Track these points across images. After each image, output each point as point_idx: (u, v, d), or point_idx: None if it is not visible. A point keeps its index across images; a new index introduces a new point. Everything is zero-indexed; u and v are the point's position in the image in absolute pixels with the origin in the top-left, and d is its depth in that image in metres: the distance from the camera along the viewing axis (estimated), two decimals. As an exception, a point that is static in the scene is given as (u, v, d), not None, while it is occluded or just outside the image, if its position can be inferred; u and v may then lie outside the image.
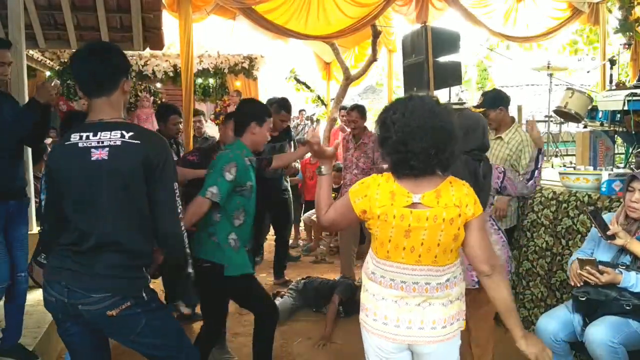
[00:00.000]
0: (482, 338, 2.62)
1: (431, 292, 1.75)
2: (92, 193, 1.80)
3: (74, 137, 1.81)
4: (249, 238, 2.76)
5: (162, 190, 1.82)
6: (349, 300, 4.10)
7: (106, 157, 1.77)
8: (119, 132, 1.79)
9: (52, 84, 2.79)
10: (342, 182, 5.12)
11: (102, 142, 1.78)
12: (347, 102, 8.58)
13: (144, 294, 1.86)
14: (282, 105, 4.52)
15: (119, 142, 1.78)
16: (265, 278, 5.00)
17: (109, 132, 1.79)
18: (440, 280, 1.76)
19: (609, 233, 2.47)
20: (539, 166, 2.64)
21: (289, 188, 5.06)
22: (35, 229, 3.82)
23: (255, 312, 2.81)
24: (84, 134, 1.81)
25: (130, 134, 1.80)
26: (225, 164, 2.51)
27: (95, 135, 1.79)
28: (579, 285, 2.46)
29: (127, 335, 1.90)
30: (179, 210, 1.85)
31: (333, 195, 6.41)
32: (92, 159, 1.77)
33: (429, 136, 1.64)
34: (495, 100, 3.60)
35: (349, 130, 4.95)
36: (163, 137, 1.87)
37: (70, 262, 1.82)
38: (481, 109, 3.32)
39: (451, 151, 1.69)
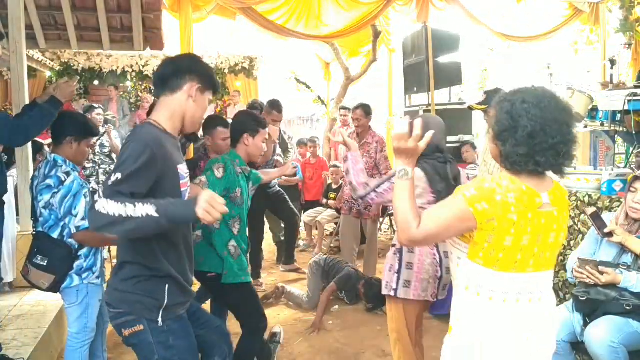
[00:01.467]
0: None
1: (550, 298, 1.63)
2: None
3: None
4: (246, 245, 2.79)
5: None
6: (349, 289, 4.25)
7: None
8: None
9: (74, 84, 2.76)
10: (342, 181, 5.12)
11: None
12: (350, 102, 8.57)
13: (160, 318, 1.76)
14: (273, 105, 4.50)
15: None
16: (266, 278, 5.00)
17: None
18: (551, 283, 1.65)
19: (605, 231, 2.47)
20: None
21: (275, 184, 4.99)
22: (30, 229, 3.81)
23: (244, 324, 2.77)
24: None
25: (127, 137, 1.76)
26: (214, 164, 2.63)
27: None
28: (585, 279, 2.44)
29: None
30: (97, 201, 1.57)
31: (333, 196, 6.41)
32: None
33: (562, 131, 1.49)
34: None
35: (352, 129, 4.93)
36: (140, 132, 1.70)
37: None
38: (482, 107, 3.30)
39: (574, 152, 1.55)
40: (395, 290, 2.37)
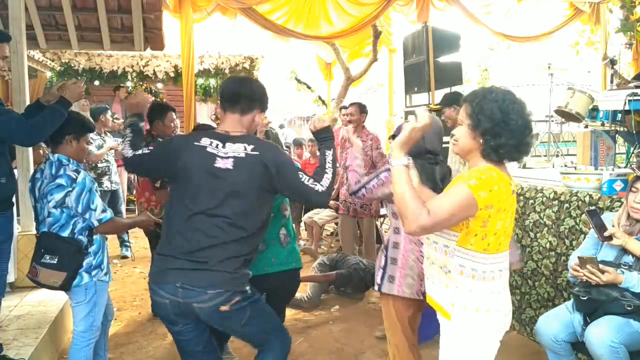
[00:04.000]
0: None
1: (507, 274, 1.84)
2: None
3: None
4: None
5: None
6: (354, 285, 4.39)
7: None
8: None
9: (82, 84, 2.76)
10: (340, 181, 5.12)
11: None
12: (350, 101, 8.59)
13: (247, 288, 2.07)
14: None
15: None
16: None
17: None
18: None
19: (605, 234, 2.46)
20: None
21: None
22: (30, 229, 3.82)
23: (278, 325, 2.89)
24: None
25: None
26: None
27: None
28: (582, 278, 2.44)
29: (234, 327, 2.11)
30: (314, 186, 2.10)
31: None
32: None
33: (530, 125, 1.75)
34: (452, 100, 3.92)
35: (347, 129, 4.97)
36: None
37: (182, 262, 2.00)
38: (437, 107, 3.56)
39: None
40: (380, 285, 2.43)
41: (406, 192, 1.60)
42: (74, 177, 2.40)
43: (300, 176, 2.08)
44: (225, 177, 2.01)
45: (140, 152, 2.23)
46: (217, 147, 2.06)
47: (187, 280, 1.96)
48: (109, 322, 2.86)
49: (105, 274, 2.57)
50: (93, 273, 2.49)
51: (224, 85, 2.22)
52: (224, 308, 1.98)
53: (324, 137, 2.27)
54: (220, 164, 2.01)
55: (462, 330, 1.77)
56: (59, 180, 2.39)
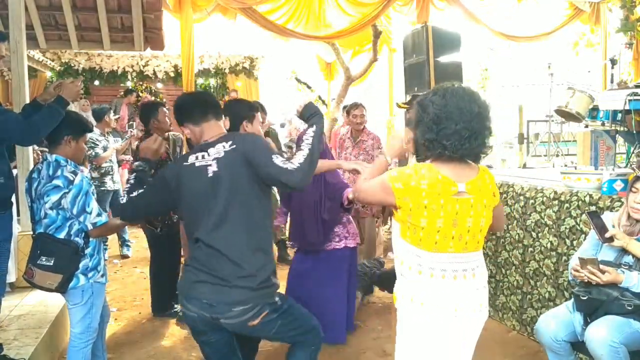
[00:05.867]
0: None
1: (478, 277, 1.83)
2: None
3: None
4: None
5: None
6: (363, 289, 4.22)
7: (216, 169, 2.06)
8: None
9: (79, 83, 2.75)
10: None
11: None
12: (350, 102, 8.58)
13: (277, 299, 2.08)
14: (261, 107, 4.59)
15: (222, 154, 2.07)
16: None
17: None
18: (480, 263, 1.87)
19: (606, 235, 2.46)
20: None
21: None
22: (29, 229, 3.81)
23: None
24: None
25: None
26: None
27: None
28: (583, 278, 2.44)
29: (264, 335, 2.21)
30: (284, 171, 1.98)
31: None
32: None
33: (465, 119, 1.68)
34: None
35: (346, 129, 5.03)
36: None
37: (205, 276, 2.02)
38: (405, 106, 3.89)
39: (483, 140, 1.73)
40: None
41: (372, 169, 1.97)
42: (72, 178, 2.37)
43: (273, 157, 1.99)
44: (218, 181, 2.01)
45: (135, 193, 2.19)
46: (203, 158, 2.08)
47: (212, 296, 1.98)
48: (105, 323, 2.84)
49: (102, 276, 2.55)
50: (89, 275, 2.47)
51: (182, 104, 2.23)
52: (252, 323, 2.00)
53: (309, 115, 2.14)
54: (210, 171, 2.04)
55: (401, 319, 1.85)
56: (55, 181, 2.36)
